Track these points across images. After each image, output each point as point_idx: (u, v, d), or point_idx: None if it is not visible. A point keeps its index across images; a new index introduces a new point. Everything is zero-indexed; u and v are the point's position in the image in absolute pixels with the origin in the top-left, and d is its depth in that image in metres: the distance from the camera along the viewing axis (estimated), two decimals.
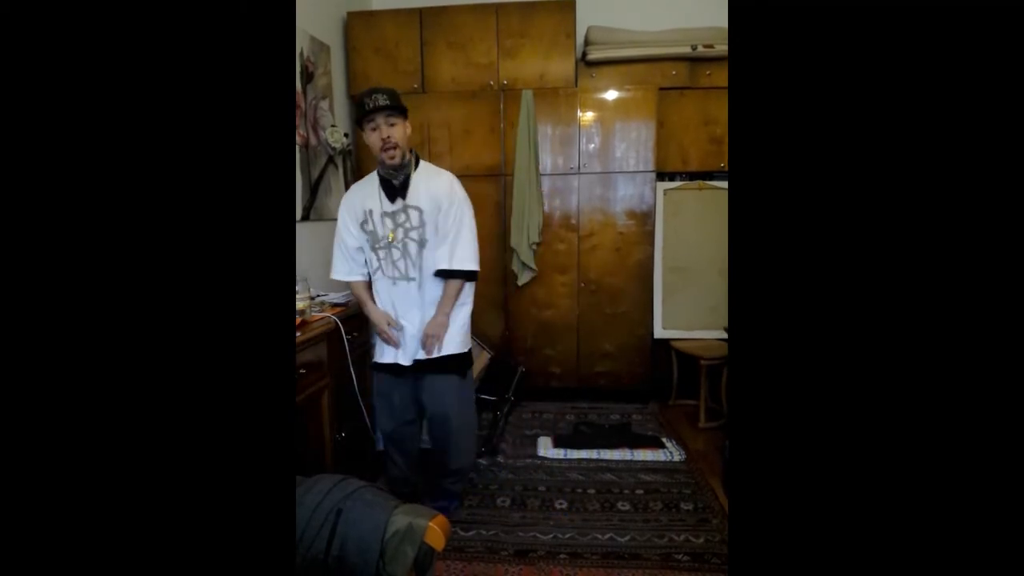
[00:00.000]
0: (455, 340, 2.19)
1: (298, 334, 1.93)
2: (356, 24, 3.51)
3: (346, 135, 3.29)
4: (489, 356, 3.43)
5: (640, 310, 3.57)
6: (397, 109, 2.02)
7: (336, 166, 3.31)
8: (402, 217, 2.09)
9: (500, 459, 2.85)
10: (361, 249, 2.19)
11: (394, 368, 2.20)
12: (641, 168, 3.46)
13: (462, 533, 2.21)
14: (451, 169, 3.61)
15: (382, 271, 2.15)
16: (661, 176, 3.57)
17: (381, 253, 2.13)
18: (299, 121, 2.90)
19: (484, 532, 2.22)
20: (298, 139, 2.88)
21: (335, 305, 2.39)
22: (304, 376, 1.98)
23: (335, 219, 3.27)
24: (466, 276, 2.16)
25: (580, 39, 3.64)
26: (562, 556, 2.06)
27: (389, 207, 2.10)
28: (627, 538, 2.17)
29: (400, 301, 2.15)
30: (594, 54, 3.50)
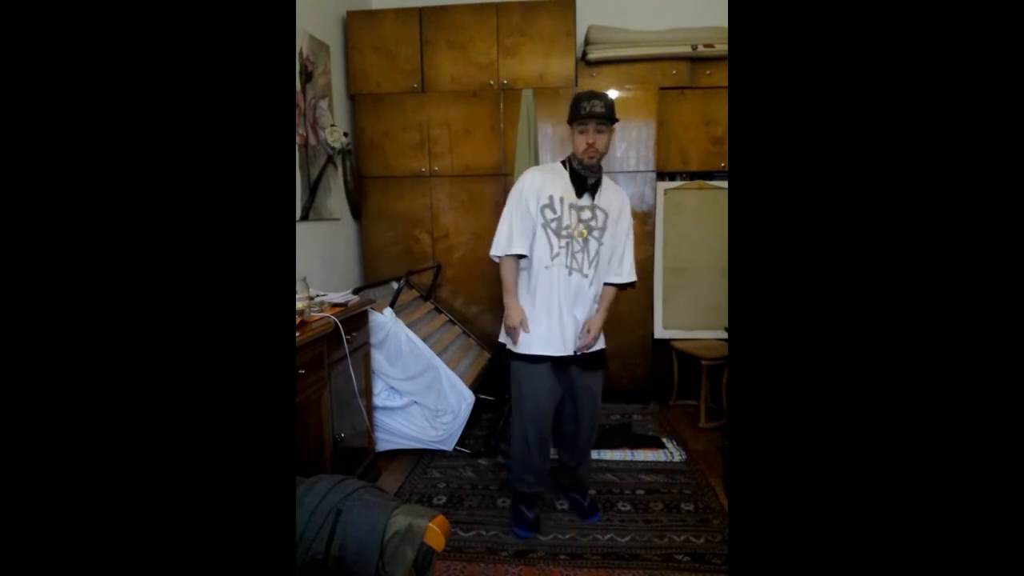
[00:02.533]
0: (602, 338, 2.29)
1: (297, 334, 1.92)
2: (356, 23, 3.51)
3: (345, 134, 3.28)
4: (489, 356, 3.43)
5: (640, 310, 3.56)
6: (609, 120, 2.05)
7: (335, 166, 3.31)
8: (588, 214, 2.13)
9: (500, 459, 2.84)
10: (533, 232, 2.16)
11: (553, 360, 2.18)
12: (641, 168, 3.46)
13: (462, 534, 2.21)
14: (451, 168, 3.62)
15: (559, 258, 2.13)
16: (661, 176, 3.57)
17: (562, 242, 2.12)
18: (298, 120, 2.90)
19: (484, 533, 2.22)
20: (297, 139, 2.87)
21: (335, 305, 2.38)
22: (304, 376, 1.97)
23: (335, 219, 3.30)
24: (630, 287, 2.30)
25: (580, 38, 3.63)
26: (562, 557, 2.05)
27: (577, 201, 2.13)
28: (627, 538, 2.16)
29: (572, 293, 2.14)
30: (594, 53, 3.49)
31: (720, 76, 3.46)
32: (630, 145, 3.44)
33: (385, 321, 2.74)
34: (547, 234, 2.11)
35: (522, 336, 2.18)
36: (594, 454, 2.84)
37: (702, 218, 3.60)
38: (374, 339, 2.72)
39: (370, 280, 3.56)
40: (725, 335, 3.25)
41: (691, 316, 3.64)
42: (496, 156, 3.50)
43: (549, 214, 2.11)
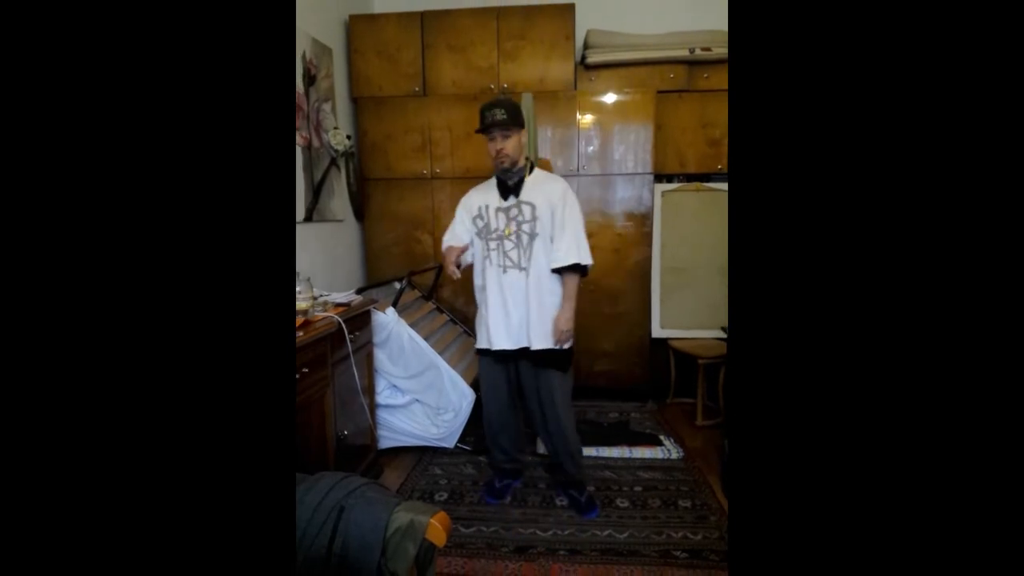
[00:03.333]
0: (552, 336, 2.32)
1: (301, 334, 1.96)
2: (358, 27, 3.54)
3: (348, 137, 3.32)
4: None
5: (639, 310, 3.60)
6: (510, 126, 2.22)
7: (338, 168, 3.35)
8: (515, 211, 2.30)
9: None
10: (470, 235, 2.40)
11: (497, 354, 2.35)
12: (639, 170, 3.49)
13: (463, 530, 2.25)
14: (452, 171, 3.64)
15: (490, 260, 2.33)
16: (659, 178, 3.60)
17: (492, 244, 2.32)
18: (302, 123, 2.93)
19: (485, 529, 2.26)
20: (301, 141, 2.91)
21: (338, 305, 2.42)
22: (307, 375, 2.01)
23: (338, 220, 3.34)
24: (577, 270, 2.30)
25: (580, 42, 3.67)
26: (561, 552, 2.09)
27: (503, 203, 2.32)
28: (626, 535, 2.20)
29: (510, 289, 2.30)
30: (593, 57, 3.52)
31: (717, 79, 3.50)
32: (628, 147, 3.48)
33: (387, 321, 2.78)
34: (482, 241, 2.35)
35: (477, 333, 2.42)
36: (593, 451, 2.89)
37: (699, 219, 3.64)
38: (377, 338, 2.76)
39: (373, 280, 3.60)
40: (721, 334, 3.29)
41: (688, 316, 3.68)
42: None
43: (480, 223, 2.36)
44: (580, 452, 2.50)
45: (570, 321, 2.29)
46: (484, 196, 2.37)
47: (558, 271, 2.28)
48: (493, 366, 2.41)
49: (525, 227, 2.29)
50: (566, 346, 2.32)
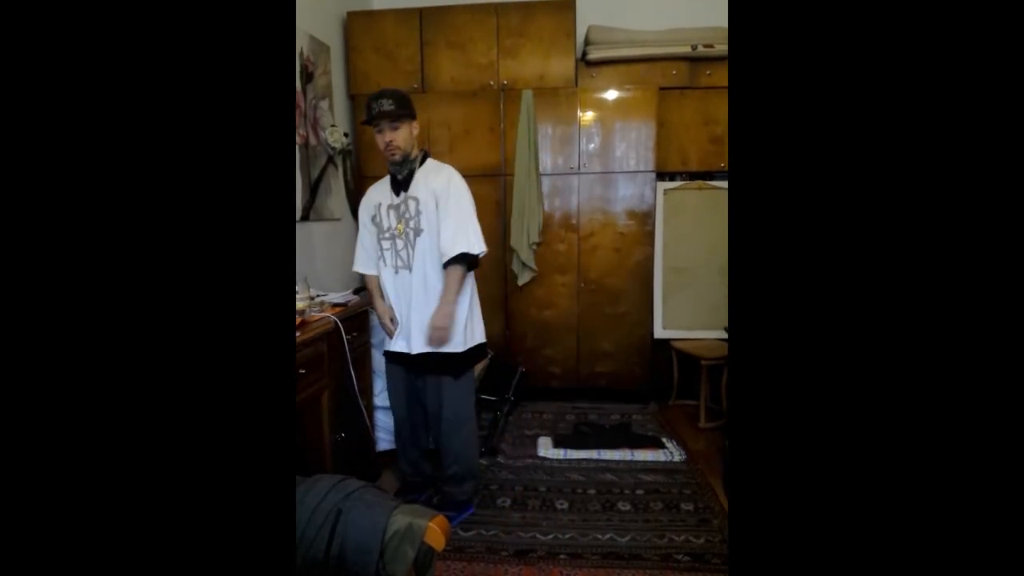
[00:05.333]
0: (460, 341, 2.20)
1: (298, 334, 1.93)
2: (356, 24, 3.51)
3: (346, 135, 3.29)
4: (489, 356, 3.43)
5: (640, 310, 3.57)
6: (399, 115, 2.09)
7: (336, 166, 3.31)
8: (403, 208, 2.19)
9: (500, 459, 2.85)
10: (372, 244, 2.30)
11: (400, 357, 2.28)
12: (641, 168, 3.46)
13: (462, 533, 2.21)
14: None
15: (384, 261, 2.25)
16: (661, 176, 3.57)
17: (386, 244, 2.24)
18: (299, 121, 2.90)
19: (484, 532, 2.23)
20: (298, 139, 2.88)
21: (335, 305, 2.39)
22: (304, 376, 1.98)
23: (335, 219, 3.31)
24: (463, 260, 2.13)
25: (580, 39, 3.64)
26: (562, 556, 2.06)
27: (394, 200, 2.22)
28: (627, 538, 2.17)
29: (401, 290, 2.23)
30: (594, 54, 3.50)
31: (720, 76, 3.47)
32: (630, 145, 3.45)
33: None
34: (378, 242, 2.27)
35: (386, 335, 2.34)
36: (594, 453, 2.86)
37: (702, 218, 3.61)
38: (374, 339, 2.73)
39: None
40: (724, 335, 3.25)
41: (691, 316, 3.64)
42: (496, 156, 3.50)
43: (376, 220, 2.27)
44: (473, 474, 2.36)
45: (446, 318, 2.12)
46: (379, 194, 2.28)
47: (451, 262, 2.11)
48: (393, 369, 2.34)
49: (411, 223, 2.17)
50: (446, 348, 2.17)
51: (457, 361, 2.21)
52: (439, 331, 2.13)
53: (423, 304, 2.17)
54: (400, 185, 2.20)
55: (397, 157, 2.13)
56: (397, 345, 2.27)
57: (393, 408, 2.40)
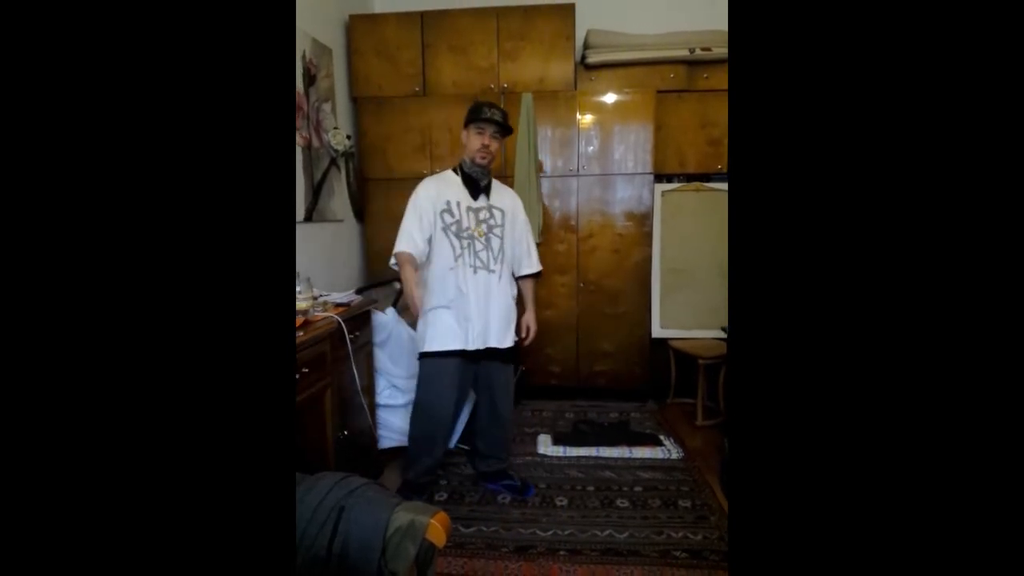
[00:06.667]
0: (513, 335, 2.45)
1: (301, 333, 1.96)
2: (358, 27, 3.54)
3: (348, 137, 3.32)
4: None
5: (639, 310, 3.60)
6: (505, 129, 2.31)
7: (338, 168, 3.34)
8: (486, 214, 2.34)
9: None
10: (429, 238, 2.31)
11: (461, 354, 2.35)
12: (639, 170, 3.49)
13: (463, 530, 2.24)
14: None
15: (464, 259, 2.30)
16: (659, 178, 3.60)
17: (462, 242, 2.30)
18: (301, 123, 2.93)
19: (485, 529, 2.26)
20: (300, 141, 2.91)
21: (338, 305, 2.41)
22: (306, 375, 2.00)
23: (338, 220, 3.34)
24: (538, 276, 2.53)
25: (579, 42, 3.67)
26: (561, 553, 2.09)
27: (474, 203, 2.33)
28: (626, 535, 2.20)
29: (479, 289, 2.32)
30: (593, 57, 3.52)
31: (717, 79, 3.50)
32: (628, 148, 3.48)
33: (387, 321, 2.78)
34: (448, 237, 2.29)
35: (430, 333, 2.34)
36: (593, 451, 2.90)
37: (699, 219, 3.63)
38: (377, 338, 2.76)
39: (373, 280, 3.58)
40: (722, 334, 3.28)
41: (688, 316, 3.67)
42: (496, 159, 3.52)
43: (448, 218, 2.29)
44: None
45: (535, 320, 2.51)
46: (449, 191, 2.31)
47: (523, 277, 2.47)
48: (445, 367, 2.34)
49: (496, 231, 2.34)
50: (512, 341, 2.44)
51: (515, 351, 2.48)
52: (534, 333, 2.50)
53: (503, 304, 2.37)
54: (481, 191, 2.34)
55: (487, 162, 2.30)
56: (477, 342, 2.33)
57: (436, 408, 2.38)
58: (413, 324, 2.57)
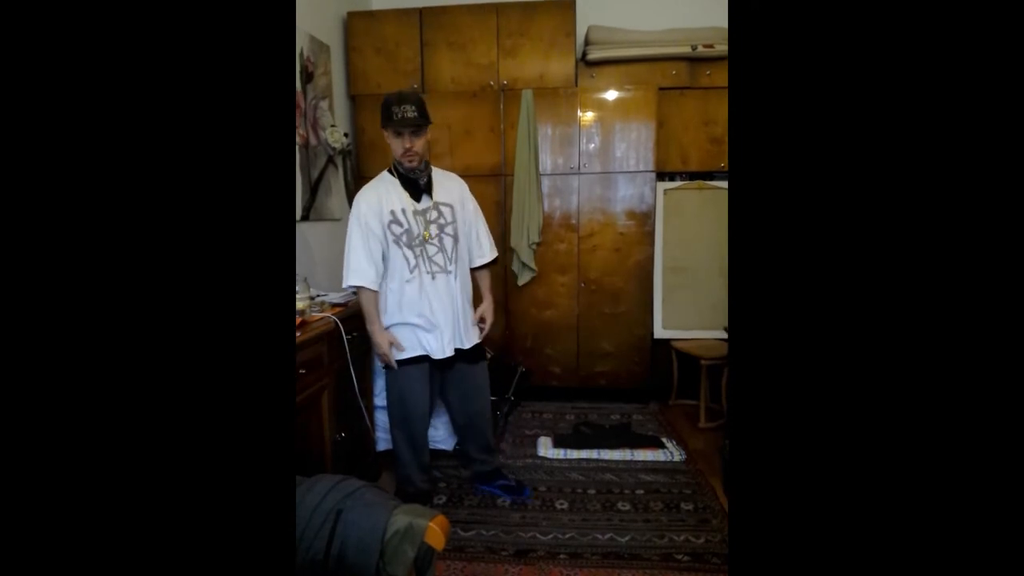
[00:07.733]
0: (477, 330, 2.41)
1: (298, 334, 1.93)
2: (356, 24, 3.51)
3: (346, 135, 3.29)
4: (489, 356, 3.43)
5: (640, 310, 3.57)
6: (422, 124, 2.13)
7: (336, 166, 3.31)
8: (434, 214, 2.21)
9: (500, 459, 2.84)
10: (382, 255, 2.19)
11: (427, 361, 2.27)
12: (641, 168, 3.46)
13: (462, 533, 2.22)
14: (452, 169, 3.62)
15: (414, 269, 2.19)
16: (661, 176, 3.57)
17: (413, 251, 2.19)
18: (299, 121, 2.90)
19: (484, 532, 2.23)
20: (298, 139, 2.88)
21: (335, 305, 2.39)
22: (304, 376, 1.98)
23: (335, 219, 3.30)
24: (493, 263, 2.45)
25: (580, 39, 3.64)
26: (562, 556, 2.06)
27: (418, 206, 2.20)
28: (627, 538, 2.17)
29: (437, 294, 2.22)
30: (594, 54, 3.50)
31: (719, 76, 3.47)
32: (630, 145, 3.45)
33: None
34: (400, 249, 2.17)
35: (399, 343, 2.25)
36: (594, 453, 2.86)
37: (702, 218, 3.61)
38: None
39: None
40: (724, 335, 3.25)
41: (690, 316, 3.64)
42: (496, 157, 3.50)
43: (397, 229, 2.17)
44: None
45: (493, 312, 2.44)
46: (390, 197, 2.18)
47: (478, 268, 2.40)
48: (415, 374, 2.26)
49: (448, 229, 2.23)
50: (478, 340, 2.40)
51: (480, 347, 2.42)
52: (491, 323, 2.41)
53: (466, 304, 2.31)
54: (422, 190, 2.20)
55: (416, 163, 2.16)
56: (447, 350, 2.25)
57: (414, 417, 2.31)
58: None
